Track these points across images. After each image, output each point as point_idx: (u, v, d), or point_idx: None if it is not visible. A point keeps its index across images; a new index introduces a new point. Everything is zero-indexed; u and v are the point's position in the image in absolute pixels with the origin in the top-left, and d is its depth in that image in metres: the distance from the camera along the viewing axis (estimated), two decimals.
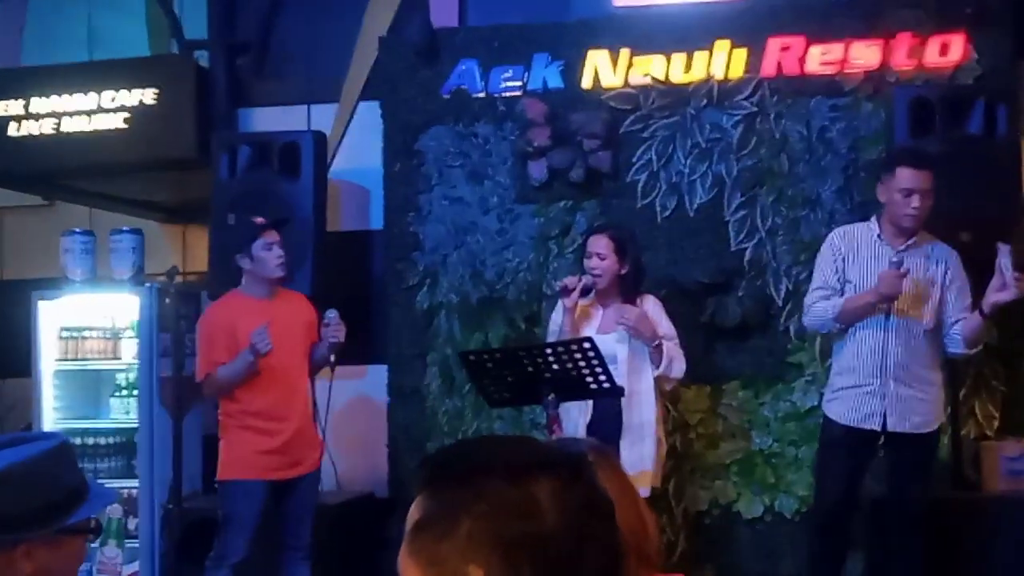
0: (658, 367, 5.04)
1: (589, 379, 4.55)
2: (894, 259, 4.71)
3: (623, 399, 4.91)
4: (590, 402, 4.98)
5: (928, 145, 5.41)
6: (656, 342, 5.04)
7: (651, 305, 5.22)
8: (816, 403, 5.71)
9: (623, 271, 5.15)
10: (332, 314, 5.27)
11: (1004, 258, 4.60)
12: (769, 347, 5.87)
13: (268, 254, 5.27)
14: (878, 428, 4.84)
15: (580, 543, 1.25)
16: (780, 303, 5.85)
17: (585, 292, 5.15)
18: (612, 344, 4.98)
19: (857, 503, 5.05)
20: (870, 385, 4.84)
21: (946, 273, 4.86)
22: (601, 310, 5.18)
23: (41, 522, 2.09)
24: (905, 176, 4.75)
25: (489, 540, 1.23)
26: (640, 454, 5.01)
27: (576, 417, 4.99)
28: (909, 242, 4.86)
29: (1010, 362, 5.78)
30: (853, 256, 4.94)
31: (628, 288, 5.18)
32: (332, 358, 5.30)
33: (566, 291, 5.10)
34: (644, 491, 4.84)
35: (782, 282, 5.85)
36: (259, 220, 5.37)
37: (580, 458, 1.36)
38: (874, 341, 4.84)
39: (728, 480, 5.88)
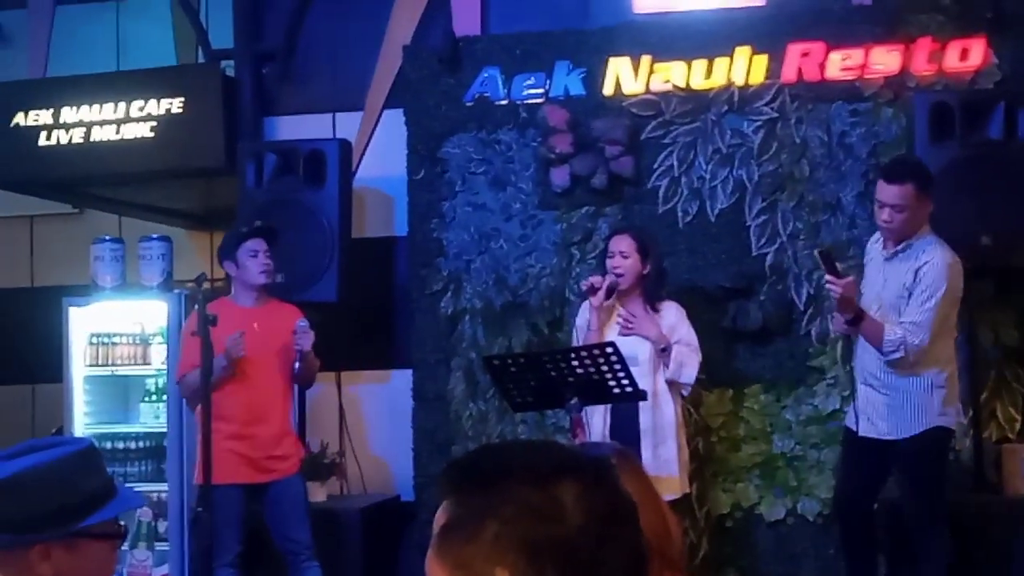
0: (667, 371, 5.09)
1: (612, 383, 4.58)
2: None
3: (642, 401, 4.94)
4: (608, 408, 5.03)
5: (948, 150, 5.44)
6: (662, 345, 5.09)
7: (674, 311, 5.24)
8: (837, 406, 5.78)
9: (645, 271, 5.19)
10: (301, 323, 5.30)
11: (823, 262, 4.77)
12: (790, 351, 5.90)
13: (252, 261, 5.36)
14: (856, 429, 4.96)
15: (604, 545, 1.26)
16: (801, 307, 5.89)
17: (609, 293, 5.19)
18: (633, 345, 5.01)
19: (863, 502, 5.08)
20: (855, 390, 5.02)
21: (914, 280, 4.82)
22: (623, 312, 5.21)
23: (55, 524, 2.12)
24: (878, 188, 4.87)
25: (514, 543, 1.24)
26: (664, 456, 5.05)
27: (597, 424, 5.03)
28: (897, 248, 4.88)
29: None
30: (870, 259, 5.12)
31: (650, 289, 5.21)
32: (296, 366, 5.32)
33: (592, 290, 5.13)
34: (672, 496, 4.88)
35: (803, 286, 5.89)
36: (243, 229, 5.44)
37: (603, 461, 1.38)
38: (857, 346, 4.98)
39: (750, 483, 5.91)
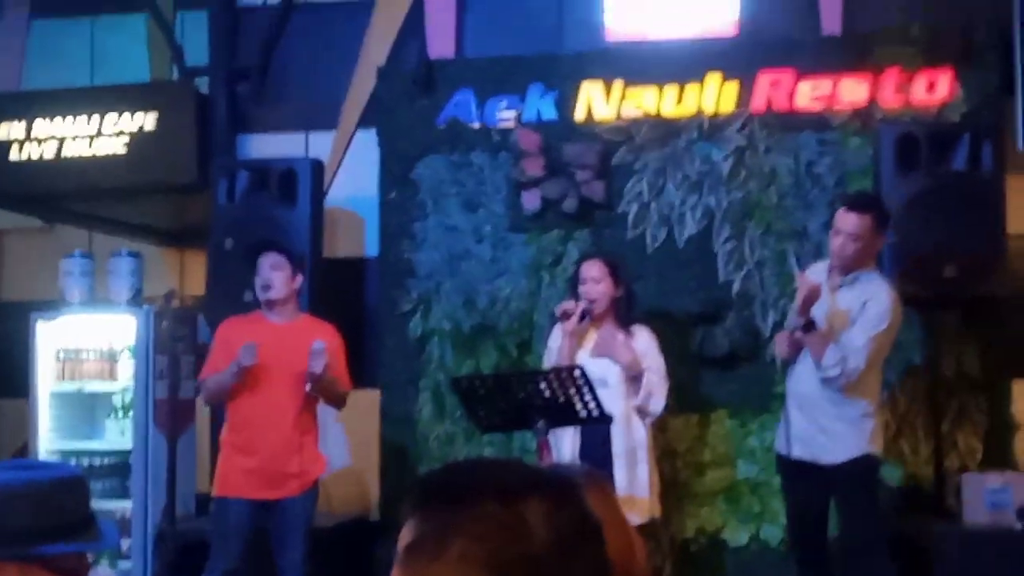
0: (636, 398, 5.10)
1: (579, 406, 4.59)
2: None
3: (616, 423, 4.92)
4: (579, 430, 5.04)
5: (914, 181, 5.51)
6: (634, 373, 5.10)
7: (645, 336, 5.25)
8: None
9: (617, 294, 5.21)
10: (315, 345, 5.20)
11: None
12: (757, 377, 5.93)
13: (255, 279, 5.36)
14: (787, 454, 4.97)
15: (570, 564, 1.26)
16: (768, 334, 5.91)
17: (582, 317, 5.19)
18: (605, 367, 5.02)
19: (811, 533, 5.02)
20: (785, 413, 5.03)
21: (860, 309, 4.82)
22: (595, 333, 5.22)
23: (13, 544, 2.07)
24: (838, 216, 4.93)
25: (480, 561, 1.23)
26: (636, 478, 5.05)
27: (566, 446, 5.03)
28: (844, 279, 4.90)
29: (993, 394, 5.84)
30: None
31: (622, 312, 5.22)
32: (308, 387, 5.26)
33: (566, 316, 5.13)
34: (641, 520, 4.89)
35: (769, 313, 5.93)
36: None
37: (570, 480, 1.38)
38: (793, 372, 5.01)
39: (714, 508, 5.94)
